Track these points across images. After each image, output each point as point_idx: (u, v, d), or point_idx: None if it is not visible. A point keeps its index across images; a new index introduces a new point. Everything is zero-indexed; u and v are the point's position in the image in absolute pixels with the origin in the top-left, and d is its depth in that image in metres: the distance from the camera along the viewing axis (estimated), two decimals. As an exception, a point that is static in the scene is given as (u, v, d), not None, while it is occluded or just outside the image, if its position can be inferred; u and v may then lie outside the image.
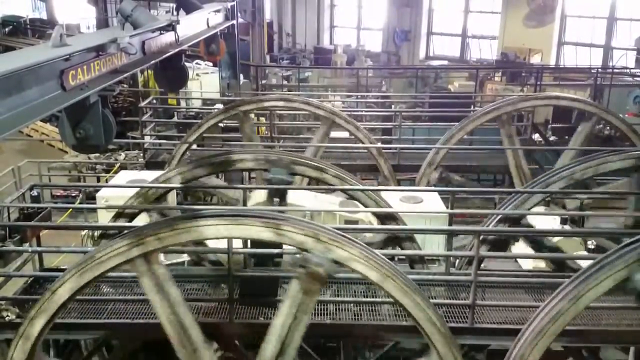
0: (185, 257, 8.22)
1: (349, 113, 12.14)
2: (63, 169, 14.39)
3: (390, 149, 11.91)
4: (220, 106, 13.12)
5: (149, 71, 16.48)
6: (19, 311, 6.46)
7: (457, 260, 7.66)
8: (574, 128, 15.08)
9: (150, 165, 12.28)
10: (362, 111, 14.91)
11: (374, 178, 12.13)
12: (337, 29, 30.59)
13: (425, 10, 26.96)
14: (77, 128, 5.73)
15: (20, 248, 6.83)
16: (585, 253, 7.79)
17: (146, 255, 5.19)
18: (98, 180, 14.05)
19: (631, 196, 7.60)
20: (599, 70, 19.51)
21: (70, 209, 10.19)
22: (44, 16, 31.56)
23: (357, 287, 6.90)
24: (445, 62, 26.08)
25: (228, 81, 15.34)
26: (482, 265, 7.24)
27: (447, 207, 7.67)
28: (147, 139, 13.38)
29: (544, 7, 22.88)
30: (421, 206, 8.45)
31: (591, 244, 8.07)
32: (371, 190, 7.70)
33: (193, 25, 9.49)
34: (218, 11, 11.51)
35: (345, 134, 12.00)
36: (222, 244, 6.33)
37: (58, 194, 13.57)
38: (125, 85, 17.19)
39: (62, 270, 5.89)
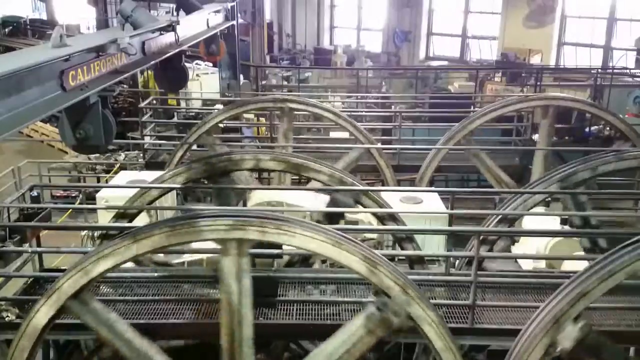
0: (185, 257, 8.21)
1: (349, 113, 12.14)
2: (63, 170, 14.39)
3: (390, 149, 11.92)
4: (220, 106, 13.13)
5: (149, 72, 16.48)
6: (19, 311, 6.45)
7: (457, 261, 7.66)
8: (574, 128, 15.18)
9: (150, 165, 12.28)
10: (362, 111, 14.92)
11: (375, 178, 12.14)
12: (337, 30, 30.59)
13: (425, 10, 26.97)
14: (77, 128, 5.74)
15: (20, 248, 6.83)
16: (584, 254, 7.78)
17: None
18: (98, 181, 14.04)
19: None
20: (599, 70, 19.51)
21: (70, 210, 10.20)
22: (44, 17, 31.60)
23: (357, 287, 6.90)
24: (445, 63, 26.08)
25: (228, 82, 15.35)
26: (482, 265, 7.23)
27: (447, 208, 7.67)
28: (147, 139, 13.38)
29: (544, 7, 22.88)
30: (421, 206, 8.45)
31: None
32: (371, 190, 7.70)
33: (193, 26, 9.50)
34: (218, 12, 11.53)
35: (346, 134, 12.01)
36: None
37: (58, 194, 13.58)
38: (125, 86, 17.18)
39: (62, 270, 5.88)
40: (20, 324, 5.43)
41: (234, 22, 13.07)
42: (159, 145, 13.56)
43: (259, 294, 6.49)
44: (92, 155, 14.27)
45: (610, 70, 19.47)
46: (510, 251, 7.75)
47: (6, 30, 26.21)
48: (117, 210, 7.69)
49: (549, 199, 8.65)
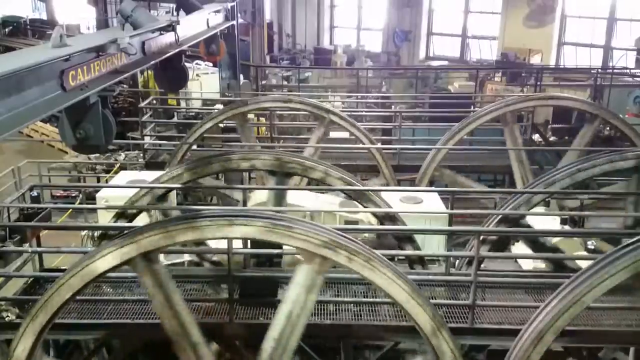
0: (186, 257, 8.22)
1: (349, 113, 12.14)
2: (63, 170, 14.40)
3: (390, 149, 11.92)
4: (220, 106, 13.13)
5: (149, 71, 16.47)
6: (19, 311, 6.45)
7: (457, 261, 7.67)
8: (574, 128, 15.18)
9: (150, 165, 12.28)
10: (362, 111, 14.92)
11: (374, 178, 12.14)
12: (337, 30, 30.58)
13: (426, 10, 26.96)
14: (77, 128, 5.73)
15: (20, 248, 6.83)
16: (585, 253, 7.79)
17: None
18: (98, 181, 14.05)
19: (630, 198, 7.58)
20: (599, 70, 19.51)
21: (70, 210, 10.20)
22: (44, 16, 31.60)
23: (357, 287, 6.90)
24: (445, 63, 26.08)
25: (228, 81, 15.33)
26: (482, 265, 7.23)
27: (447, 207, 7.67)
28: (147, 139, 13.38)
29: (544, 7, 22.88)
30: (421, 206, 8.45)
31: (591, 244, 8.07)
32: (371, 190, 7.70)
33: (193, 26, 9.49)
34: (218, 11, 11.51)
35: (346, 134, 12.00)
36: (222, 244, 6.33)
37: (58, 194, 13.59)
38: (125, 86, 17.18)
39: (62, 270, 5.89)
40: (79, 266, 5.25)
41: (234, 22, 13.05)
42: (159, 145, 13.56)
43: (259, 294, 6.53)
44: (92, 155, 14.28)
45: (610, 70, 19.47)
46: (510, 251, 7.76)
47: (6, 30, 26.21)
48: (117, 210, 7.70)
49: (549, 199, 8.65)
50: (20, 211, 7.36)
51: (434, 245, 8.15)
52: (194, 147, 11.56)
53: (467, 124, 10.62)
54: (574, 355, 7.03)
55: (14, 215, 7.31)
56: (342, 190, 7.84)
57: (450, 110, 13.70)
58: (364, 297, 6.73)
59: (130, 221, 7.60)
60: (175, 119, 15.12)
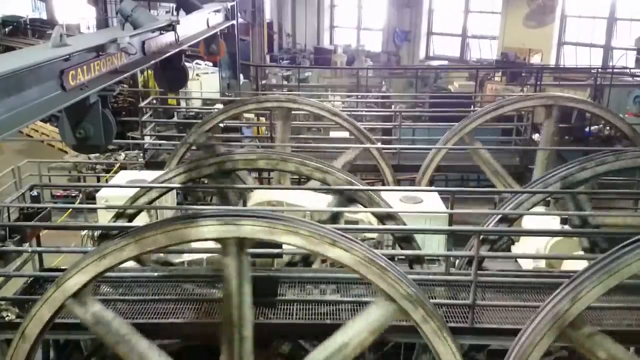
0: (185, 257, 8.21)
1: (349, 113, 12.14)
2: (63, 169, 14.36)
3: (390, 149, 11.92)
4: (220, 106, 13.12)
5: (149, 71, 16.47)
6: (18, 311, 6.45)
7: (457, 260, 7.66)
8: (574, 128, 15.19)
9: (150, 165, 12.28)
10: (362, 111, 14.92)
11: (375, 178, 12.14)
12: (337, 29, 30.59)
13: (425, 10, 26.96)
14: (77, 128, 5.73)
15: (20, 248, 6.83)
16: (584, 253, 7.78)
17: None
18: (98, 180, 14.02)
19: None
20: (599, 70, 19.52)
21: (70, 209, 10.18)
22: (44, 16, 31.54)
23: (357, 287, 6.90)
24: (445, 62, 26.08)
25: (228, 81, 15.35)
26: (482, 265, 7.23)
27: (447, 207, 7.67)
28: (147, 139, 13.38)
29: (544, 7, 22.88)
30: (421, 206, 8.45)
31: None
32: (371, 190, 7.70)
33: (193, 26, 9.50)
34: (218, 11, 11.51)
35: (346, 134, 12.00)
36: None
37: (58, 194, 13.55)
38: (125, 86, 17.17)
39: (62, 270, 5.89)
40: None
41: (234, 22, 13.06)
42: (159, 145, 13.56)
43: (259, 294, 6.53)
44: (92, 155, 14.25)
45: (610, 70, 19.47)
46: (510, 251, 7.75)
47: (6, 29, 26.17)
48: (117, 210, 7.69)
49: (549, 198, 8.64)
50: (20, 211, 7.35)
51: (434, 245, 8.15)
52: (194, 146, 11.55)
53: (467, 124, 10.62)
54: (574, 355, 7.01)
55: (14, 215, 7.30)
56: (342, 190, 7.83)
57: (450, 110, 13.70)
58: (364, 297, 6.73)
59: (130, 221, 7.60)
60: (175, 119, 15.12)
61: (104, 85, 5.62)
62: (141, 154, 13.17)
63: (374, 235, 8.46)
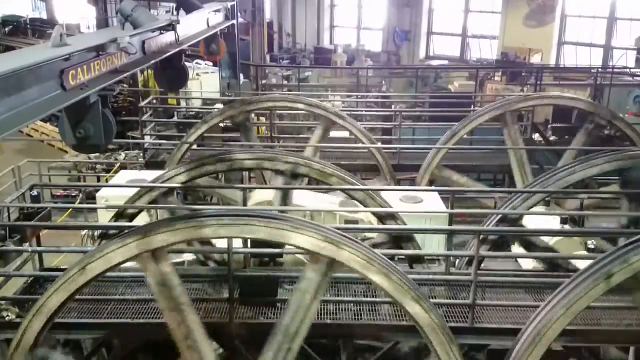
0: (186, 257, 8.21)
1: (349, 113, 12.14)
2: (63, 169, 14.39)
3: (390, 148, 11.91)
4: (220, 106, 13.12)
5: (149, 71, 16.47)
6: (18, 311, 6.45)
7: (457, 260, 7.66)
8: (574, 128, 15.17)
9: (150, 165, 12.28)
10: (362, 111, 14.92)
11: (374, 178, 12.15)
12: (337, 29, 30.58)
13: (425, 10, 26.96)
14: (77, 128, 5.73)
15: (20, 248, 6.82)
16: (584, 253, 7.78)
17: None
18: (98, 180, 14.04)
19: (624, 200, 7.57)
20: (599, 70, 19.52)
21: (70, 209, 10.19)
22: (44, 16, 31.54)
23: (357, 287, 6.90)
24: (445, 62, 26.07)
25: (228, 81, 15.33)
26: (482, 265, 7.23)
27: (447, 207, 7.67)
28: (147, 138, 13.38)
29: (544, 6, 22.88)
30: (421, 206, 8.45)
31: (591, 243, 8.06)
32: (371, 190, 7.70)
33: (193, 25, 9.49)
34: (218, 11, 11.50)
35: (346, 134, 12.00)
36: (222, 244, 6.33)
37: (58, 193, 13.57)
38: (125, 85, 17.19)
39: (62, 270, 5.88)
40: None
41: (234, 21, 13.05)
42: (159, 145, 13.55)
43: (259, 294, 6.53)
44: (92, 155, 14.27)
45: (610, 70, 19.48)
46: (510, 251, 7.75)
47: (6, 29, 26.18)
48: (117, 209, 7.69)
49: (548, 198, 8.65)
50: (20, 210, 7.35)
51: (434, 245, 8.15)
52: (194, 146, 11.56)
53: (467, 124, 10.62)
54: (574, 355, 7.02)
55: (14, 215, 7.30)
56: (342, 190, 7.84)
57: (450, 110, 13.70)
58: (364, 297, 6.73)
59: (130, 220, 7.60)
60: (175, 119, 15.12)
61: (104, 84, 5.62)
62: (141, 154, 13.17)
63: (374, 235, 8.46)
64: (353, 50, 26.26)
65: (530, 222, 8.54)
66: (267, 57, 25.78)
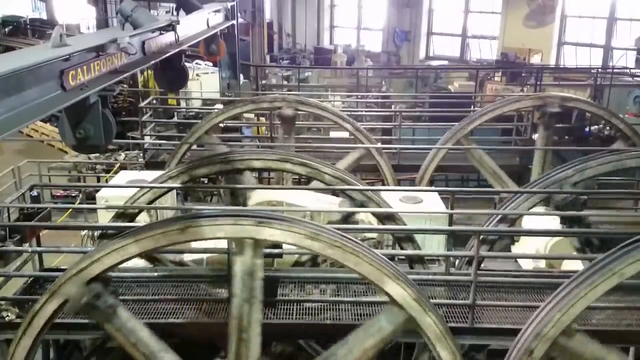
0: (185, 257, 8.20)
1: (349, 113, 12.13)
2: (63, 169, 14.36)
3: (390, 149, 11.91)
4: (220, 106, 13.11)
5: (149, 71, 16.47)
6: (18, 311, 6.45)
7: (457, 260, 7.66)
8: (574, 128, 15.18)
9: (150, 165, 12.28)
10: (362, 111, 14.91)
11: (375, 178, 12.15)
12: (337, 29, 30.59)
13: (425, 10, 26.97)
14: (77, 128, 5.72)
15: (20, 248, 6.82)
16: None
17: None
18: (98, 181, 14.02)
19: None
20: (599, 70, 19.51)
21: (70, 209, 10.18)
22: (44, 16, 31.53)
23: (357, 287, 6.90)
24: (445, 62, 26.08)
25: (228, 81, 15.34)
26: (482, 265, 7.23)
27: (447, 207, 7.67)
28: (147, 139, 13.38)
29: (544, 7, 22.88)
30: (421, 206, 8.45)
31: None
32: (371, 190, 7.70)
33: (193, 26, 9.48)
34: (218, 11, 11.49)
35: (346, 134, 12.00)
36: (222, 244, 6.33)
37: (58, 194, 13.56)
38: (125, 86, 17.17)
39: (62, 270, 5.88)
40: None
41: (234, 22, 13.04)
42: (159, 145, 13.56)
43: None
44: (92, 155, 14.24)
45: (610, 70, 19.47)
46: (510, 251, 7.75)
47: (6, 29, 26.16)
48: (117, 210, 7.69)
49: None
50: (20, 211, 7.35)
51: (434, 245, 8.14)
52: (194, 146, 11.56)
53: (467, 124, 10.61)
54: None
55: (14, 215, 7.30)
56: (342, 190, 7.83)
57: (450, 110, 13.70)
58: (364, 297, 6.73)
59: (131, 221, 7.60)
60: (175, 119, 15.12)
61: (104, 85, 5.61)
62: (141, 154, 13.17)
63: (374, 235, 8.46)
64: (353, 51, 26.26)
65: (530, 222, 8.56)
66: (267, 58, 25.79)
